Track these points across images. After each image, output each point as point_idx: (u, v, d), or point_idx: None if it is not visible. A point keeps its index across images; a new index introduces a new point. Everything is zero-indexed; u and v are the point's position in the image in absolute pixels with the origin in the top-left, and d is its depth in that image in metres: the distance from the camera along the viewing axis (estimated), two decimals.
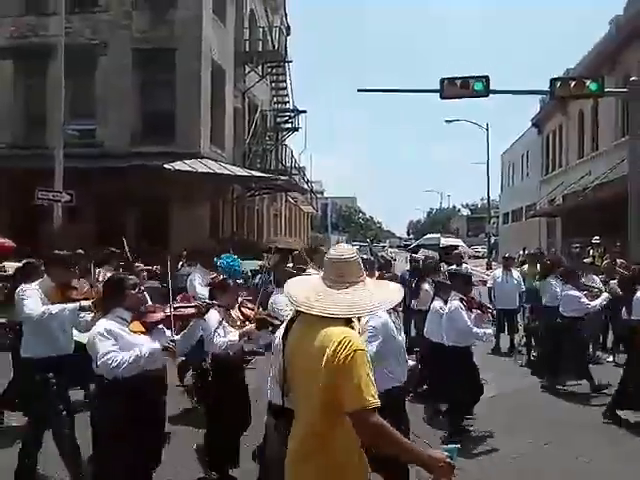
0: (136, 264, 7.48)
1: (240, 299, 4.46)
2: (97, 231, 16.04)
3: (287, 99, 24.34)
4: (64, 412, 3.81)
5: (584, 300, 6.53)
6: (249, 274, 10.91)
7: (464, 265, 9.98)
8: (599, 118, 20.40)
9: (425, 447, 1.95)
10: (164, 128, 16.11)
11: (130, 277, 3.52)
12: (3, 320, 5.76)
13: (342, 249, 2.17)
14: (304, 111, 24.40)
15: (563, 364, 6.55)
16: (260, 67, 21.31)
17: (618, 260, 9.19)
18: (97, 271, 6.48)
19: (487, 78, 11.83)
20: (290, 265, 6.22)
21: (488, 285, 9.33)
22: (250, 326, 3.93)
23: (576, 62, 21.73)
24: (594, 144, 20.98)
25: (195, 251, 7.23)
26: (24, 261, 6.09)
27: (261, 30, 21.99)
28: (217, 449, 4.03)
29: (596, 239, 11.40)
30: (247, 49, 20.46)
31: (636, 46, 16.79)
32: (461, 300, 5.09)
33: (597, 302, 6.62)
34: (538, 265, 9.30)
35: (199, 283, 5.86)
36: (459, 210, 73.33)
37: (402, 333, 3.81)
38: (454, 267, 8.54)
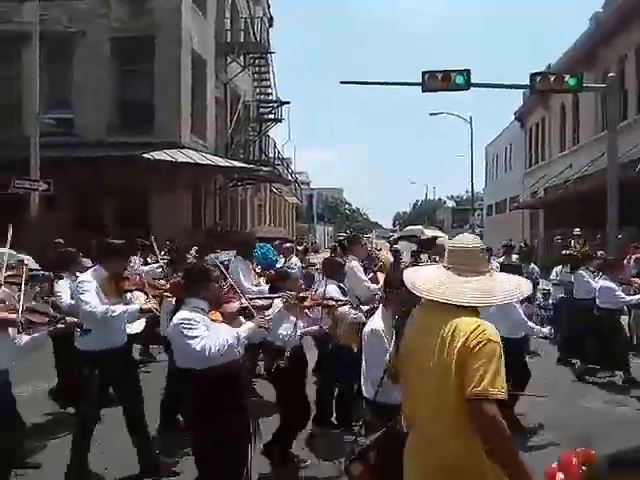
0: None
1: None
2: (75, 220, 15.87)
3: (270, 90, 24.19)
4: (98, 409, 3.94)
5: (619, 293, 6.53)
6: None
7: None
8: (580, 112, 20.59)
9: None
10: (143, 118, 15.94)
11: (213, 269, 3.32)
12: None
13: (466, 239, 2.16)
14: (287, 102, 24.30)
15: (597, 353, 6.58)
16: (242, 58, 21.11)
17: (598, 252, 9.32)
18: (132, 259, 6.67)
19: (468, 72, 11.82)
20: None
21: None
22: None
23: (557, 58, 21.86)
24: (575, 138, 21.18)
25: (236, 241, 6.97)
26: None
27: (243, 21, 21.77)
28: (289, 436, 4.16)
29: (577, 231, 11.53)
30: (229, 40, 20.25)
31: (615, 43, 16.93)
32: None
33: (634, 298, 6.63)
34: (513, 256, 9.47)
35: (243, 276, 5.58)
36: (444, 202, 73.66)
37: None
38: (437, 258, 8.58)
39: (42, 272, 5.70)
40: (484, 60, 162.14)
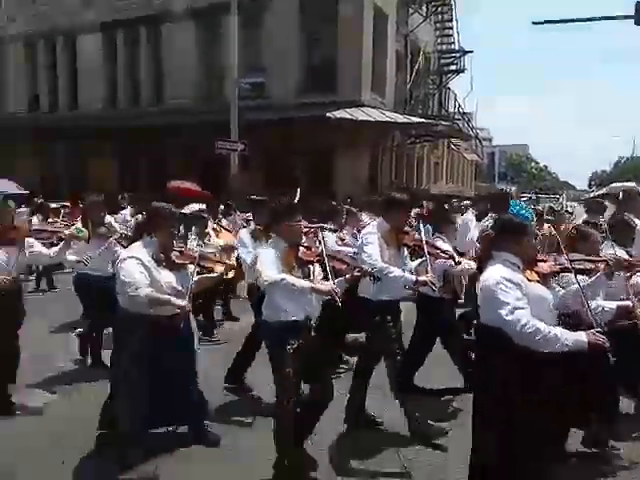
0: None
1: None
2: (265, 179, 17.36)
3: (452, 40, 22.96)
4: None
5: None
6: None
7: None
8: None
9: None
10: (327, 78, 16.46)
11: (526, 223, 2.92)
12: None
13: None
14: (470, 51, 22.87)
15: None
16: (424, 7, 20.30)
17: None
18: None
19: None
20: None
21: None
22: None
23: None
24: None
25: (489, 197, 6.46)
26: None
27: None
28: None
29: None
30: None
31: None
32: None
33: None
34: None
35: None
36: None
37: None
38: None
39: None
40: None
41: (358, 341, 4.68)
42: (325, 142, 16.29)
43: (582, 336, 2.51)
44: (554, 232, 5.28)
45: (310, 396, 3.27)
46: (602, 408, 3.49)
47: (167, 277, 3.35)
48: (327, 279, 3.24)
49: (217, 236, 6.40)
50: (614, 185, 11.26)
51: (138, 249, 3.36)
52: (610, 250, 3.49)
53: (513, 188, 48.97)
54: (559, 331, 2.50)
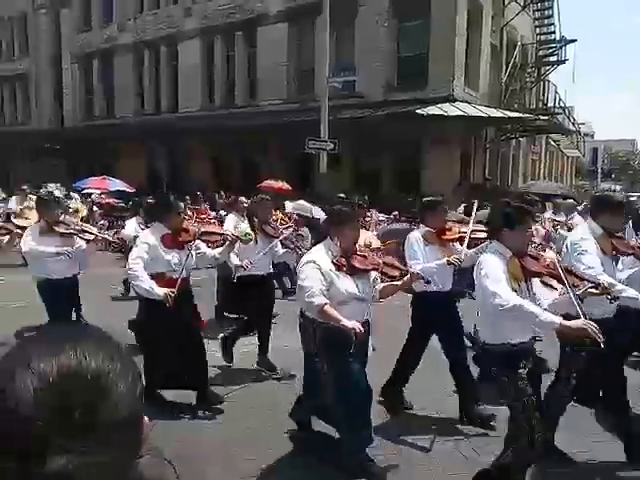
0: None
1: None
2: (354, 177, 17.41)
3: (553, 29, 21.60)
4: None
5: None
6: None
7: None
8: None
9: None
10: (419, 73, 16.15)
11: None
12: None
13: None
14: (573, 40, 21.32)
15: None
16: None
17: None
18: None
19: None
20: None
21: None
22: None
23: None
24: None
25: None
26: None
27: None
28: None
29: None
30: None
31: None
32: None
33: None
34: None
35: None
36: None
37: None
38: None
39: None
40: None
41: None
42: (414, 139, 16.04)
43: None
44: None
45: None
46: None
47: (347, 283, 3.12)
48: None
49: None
50: None
51: (319, 253, 3.16)
52: None
53: (618, 187, 45.40)
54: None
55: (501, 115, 16.10)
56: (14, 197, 10.92)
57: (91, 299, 5.78)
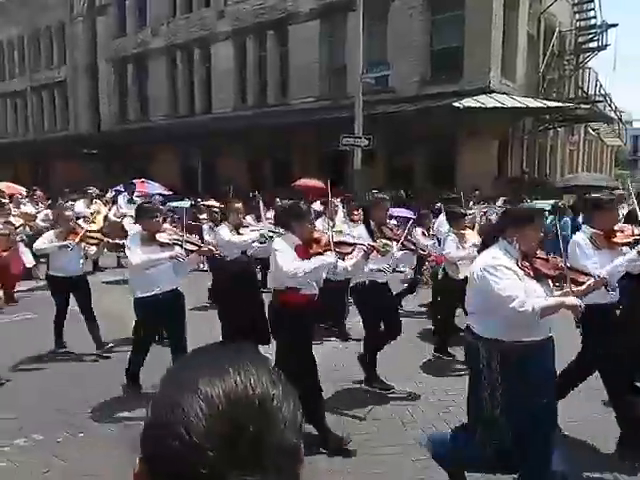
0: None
1: None
2: (388, 173, 17.24)
3: (593, 14, 20.85)
4: None
5: None
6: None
7: None
8: None
9: None
10: (453, 66, 15.86)
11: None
12: None
13: None
14: (614, 25, 20.52)
15: None
16: None
17: None
18: None
19: None
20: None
21: None
22: None
23: None
24: None
25: None
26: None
27: None
28: None
29: None
30: None
31: None
32: None
33: None
34: None
35: None
36: None
37: None
38: None
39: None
40: None
41: None
42: (449, 132, 15.74)
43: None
44: None
45: None
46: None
47: (534, 287, 2.71)
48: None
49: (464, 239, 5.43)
50: None
51: (498, 255, 2.71)
52: None
53: None
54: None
55: (540, 105, 15.63)
56: (80, 201, 11.03)
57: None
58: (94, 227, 5.88)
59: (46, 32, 29.37)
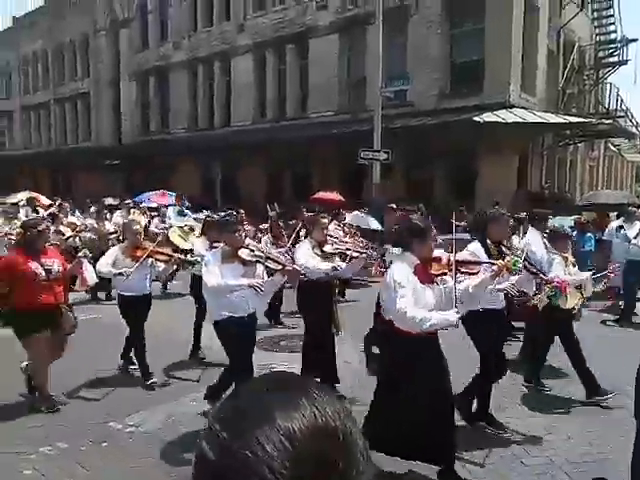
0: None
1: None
2: (407, 186, 17.19)
3: (613, 28, 20.74)
4: None
5: None
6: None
7: None
8: None
9: None
10: (472, 80, 15.85)
11: None
12: None
13: None
14: (634, 40, 20.38)
15: None
16: None
17: None
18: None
19: None
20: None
21: None
22: None
23: None
24: None
25: None
26: None
27: None
28: None
29: None
30: None
31: None
32: None
33: None
34: None
35: None
36: None
37: None
38: None
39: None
40: None
41: None
42: (468, 147, 15.68)
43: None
44: None
45: None
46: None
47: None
48: None
49: None
50: None
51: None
52: None
53: None
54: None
55: (561, 120, 15.53)
56: (118, 212, 11.10)
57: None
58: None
59: (70, 46, 30.07)
